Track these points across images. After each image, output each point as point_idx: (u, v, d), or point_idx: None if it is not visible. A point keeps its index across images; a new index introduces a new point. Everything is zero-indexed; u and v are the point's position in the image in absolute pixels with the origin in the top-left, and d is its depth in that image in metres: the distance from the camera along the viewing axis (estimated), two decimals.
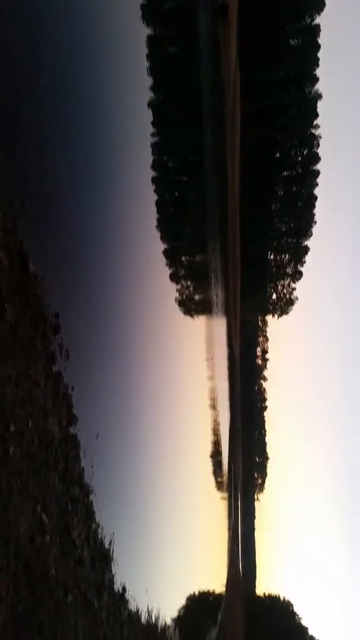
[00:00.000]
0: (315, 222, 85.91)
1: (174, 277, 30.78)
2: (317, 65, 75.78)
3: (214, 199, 43.10)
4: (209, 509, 49.92)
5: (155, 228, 23.50)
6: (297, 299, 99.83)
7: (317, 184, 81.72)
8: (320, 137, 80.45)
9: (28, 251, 8.27)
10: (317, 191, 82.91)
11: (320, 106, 79.36)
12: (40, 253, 8.93)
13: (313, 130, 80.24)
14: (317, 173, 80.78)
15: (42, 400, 8.56)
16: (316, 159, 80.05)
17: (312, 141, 79.65)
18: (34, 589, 6.88)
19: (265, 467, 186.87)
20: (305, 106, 77.83)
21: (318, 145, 79.98)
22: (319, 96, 78.21)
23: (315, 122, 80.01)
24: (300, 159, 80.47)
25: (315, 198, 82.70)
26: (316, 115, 79.55)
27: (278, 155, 79.16)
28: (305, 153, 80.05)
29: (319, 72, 76.93)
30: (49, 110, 10.16)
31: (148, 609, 15.38)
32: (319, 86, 78.10)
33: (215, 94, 43.09)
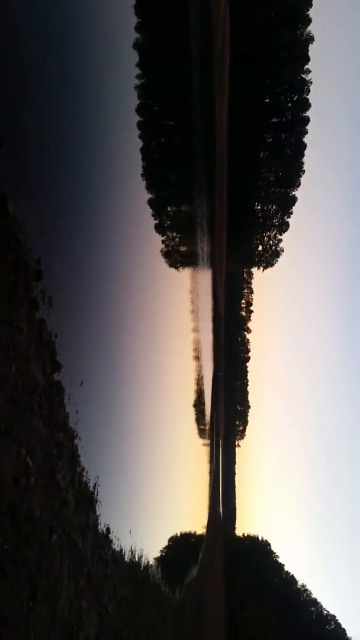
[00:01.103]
0: (304, 172, 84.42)
1: (159, 228, 30.28)
2: (310, 5, 72.53)
3: (201, 146, 41.98)
4: (192, 454, 51.30)
5: (141, 176, 22.90)
6: (282, 250, 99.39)
7: (306, 132, 79.79)
8: (311, 83, 78.00)
9: (7, 194, 7.97)
10: (306, 139, 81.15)
11: (312, 50, 76.62)
12: (20, 196, 8.62)
13: (304, 75, 77.65)
14: (307, 120, 78.76)
15: (25, 346, 8.49)
16: (306, 105, 77.83)
17: (303, 86, 77.20)
18: (18, 529, 7.02)
19: (246, 415, 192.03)
20: (296, 49, 74.94)
21: (309, 91, 77.61)
22: (310, 39, 75.27)
23: (306, 67, 77.34)
24: (290, 105, 78.09)
25: (305, 146, 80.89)
26: (307, 59, 76.79)
27: (267, 100, 76.73)
28: (295, 99, 77.66)
29: (311, 12, 73.79)
30: (29, 52, 9.61)
31: (132, 549, 15.94)
32: (311, 28, 75.09)
33: (204, 36, 41.22)
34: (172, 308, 35.01)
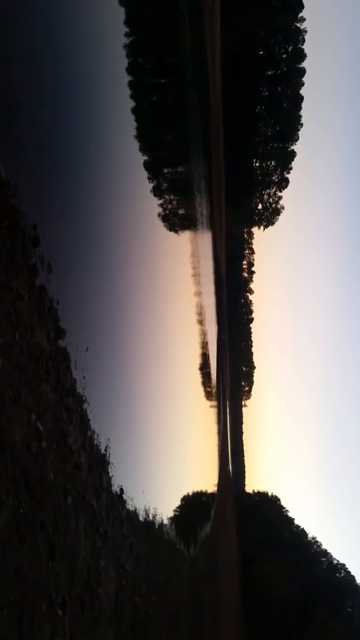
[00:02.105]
0: (302, 125, 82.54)
1: (156, 191, 29.78)
2: None
3: (195, 103, 40.91)
4: (200, 417, 51.99)
5: (134, 138, 22.39)
6: (283, 208, 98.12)
7: (302, 84, 77.57)
8: (306, 32, 75.36)
9: None
10: (303, 91, 78.98)
11: None
12: (11, 158, 8.39)
13: (298, 24, 74.96)
14: (303, 71, 76.44)
15: (28, 313, 8.41)
16: (302, 55, 75.41)
17: (297, 36, 74.63)
18: (33, 493, 7.10)
19: (251, 376, 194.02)
20: None
21: (303, 40, 75.04)
22: None
23: (300, 15, 74.53)
24: (285, 56, 75.61)
25: (302, 98, 78.77)
26: (301, 6, 73.92)
27: (261, 52, 74.29)
28: (290, 50, 75.18)
29: None
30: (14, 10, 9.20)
31: (145, 508, 16.27)
32: None
33: None
34: (174, 272, 34.81)
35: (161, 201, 32.40)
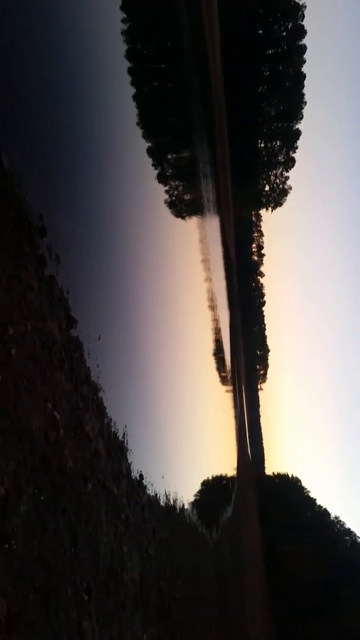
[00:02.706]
0: (305, 103, 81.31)
1: (161, 178, 29.58)
2: None
3: (196, 86, 40.46)
4: (216, 402, 52.09)
5: (137, 125, 22.21)
6: (290, 188, 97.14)
7: (304, 61, 76.22)
8: (305, 7, 73.87)
9: (0, 145, 7.69)
10: (305, 69, 77.65)
11: None
12: (14, 149, 8.34)
13: (297, 0, 73.50)
14: (304, 48, 75.10)
15: (38, 303, 8.42)
16: (302, 32, 74.00)
17: (297, 12, 73.17)
18: (53, 480, 7.15)
19: (266, 359, 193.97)
20: None
21: (303, 16, 73.58)
22: None
23: None
24: (285, 33, 74.22)
25: (304, 76, 77.48)
26: None
27: (260, 31, 73.00)
28: (289, 27, 73.77)
29: None
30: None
31: (166, 493, 16.37)
32: None
33: None
34: (183, 259, 34.67)
35: (167, 187, 32.18)
